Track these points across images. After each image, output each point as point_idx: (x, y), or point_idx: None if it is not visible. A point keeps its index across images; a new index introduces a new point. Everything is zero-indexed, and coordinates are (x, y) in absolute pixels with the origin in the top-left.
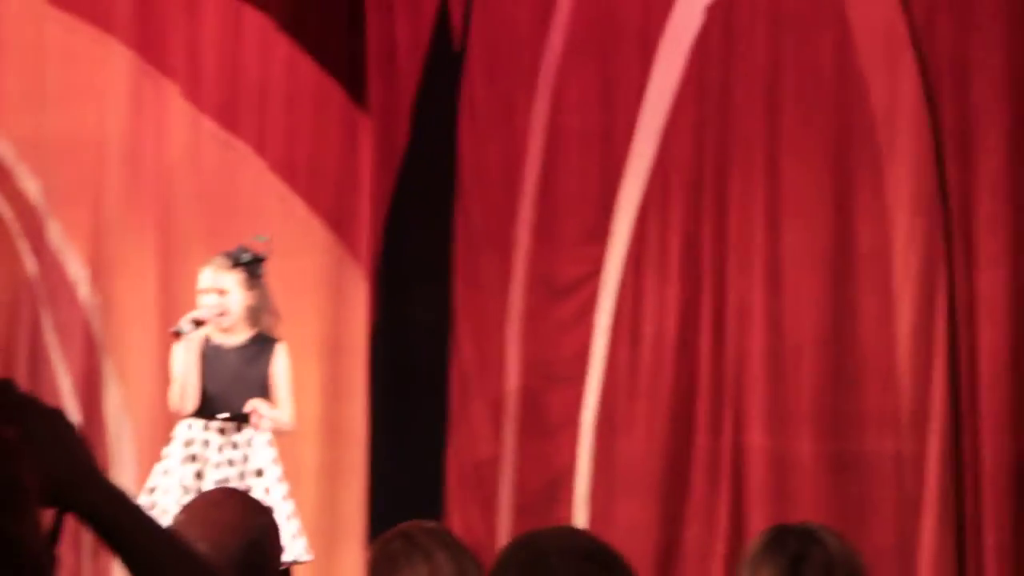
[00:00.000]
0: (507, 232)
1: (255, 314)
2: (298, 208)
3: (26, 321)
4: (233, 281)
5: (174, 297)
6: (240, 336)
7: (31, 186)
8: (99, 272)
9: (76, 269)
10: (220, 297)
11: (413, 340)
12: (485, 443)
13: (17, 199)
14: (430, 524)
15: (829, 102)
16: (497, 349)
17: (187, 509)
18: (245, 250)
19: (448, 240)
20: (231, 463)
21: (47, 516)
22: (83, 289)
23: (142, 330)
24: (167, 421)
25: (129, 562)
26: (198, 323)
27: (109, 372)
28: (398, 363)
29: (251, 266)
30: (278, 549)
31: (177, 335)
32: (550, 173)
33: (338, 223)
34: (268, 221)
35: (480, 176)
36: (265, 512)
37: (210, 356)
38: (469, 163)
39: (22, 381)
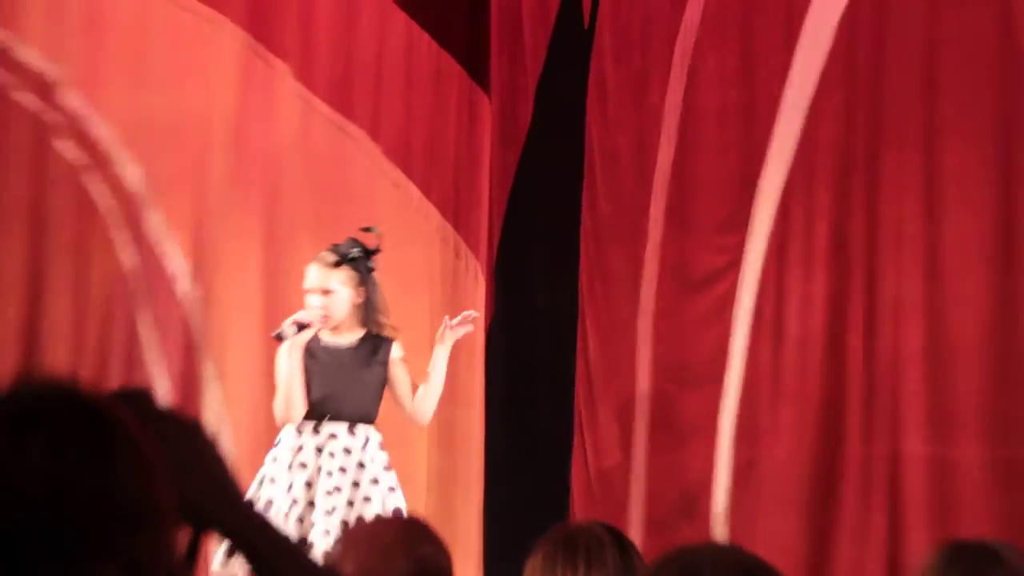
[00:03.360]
0: (638, 221)
1: (365, 313)
2: (413, 195)
3: (121, 318)
4: (339, 280)
5: (280, 292)
6: (351, 336)
7: (131, 173)
8: (201, 265)
9: (176, 262)
10: (324, 298)
11: (535, 338)
12: (613, 450)
13: (116, 187)
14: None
15: (993, 78)
16: (627, 348)
17: (343, 540)
18: (354, 243)
19: (574, 230)
20: (344, 470)
21: (184, 535)
22: (183, 283)
23: (245, 328)
24: (270, 425)
25: None
26: (301, 326)
27: (209, 373)
28: (518, 363)
29: (359, 262)
30: None
31: (278, 339)
32: (685, 157)
33: (455, 211)
34: (381, 209)
35: (609, 161)
36: (430, 540)
37: (321, 357)
38: (597, 147)
39: (115, 382)
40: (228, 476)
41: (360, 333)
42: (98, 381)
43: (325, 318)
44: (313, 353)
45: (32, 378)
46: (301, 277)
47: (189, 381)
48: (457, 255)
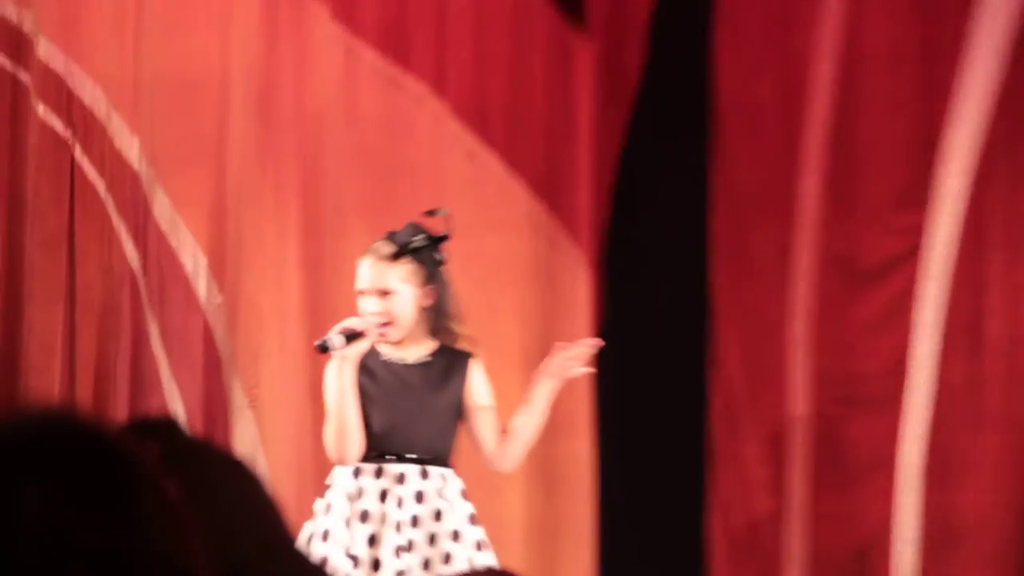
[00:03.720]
0: (786, 196)
1: (435, 319)
2: (493, 168)
3: (126, 330)
4: (400, 276)
5: (325, 294)
6: (419, 350)
7: (130, 145)
8: (223, 261)
9: (192, 258)
10: (382, 300)
11: (657, 349)
12: (762, 494)
13: (112, 163)
14: None
15: None
16: (776, 360)
17: None
18: (416, 230)
19: (702, 209)
20: (416, 522)
21: None
22: (202, 285)
23: (282, 340)
24: (319, 465)
25: None
26: (352, 336)
27: (238, 399)
28: (636, 381)
29: (425, 253)
30: None
31: (323, 350)
32: (846, 112)
33: (549, 188)
34: (452, 186)
35: (746, 119)
36: None
37: (382, 377)
38: (731, 100)
39: (121, 410)
40: (280, 527)
41: (431, 346)
42: (98, 411)
43: (385, 326)
44: (371, 372)
45: (22, 408)
46: (351, 275)
47: (213, 409)
48: (552, 244)
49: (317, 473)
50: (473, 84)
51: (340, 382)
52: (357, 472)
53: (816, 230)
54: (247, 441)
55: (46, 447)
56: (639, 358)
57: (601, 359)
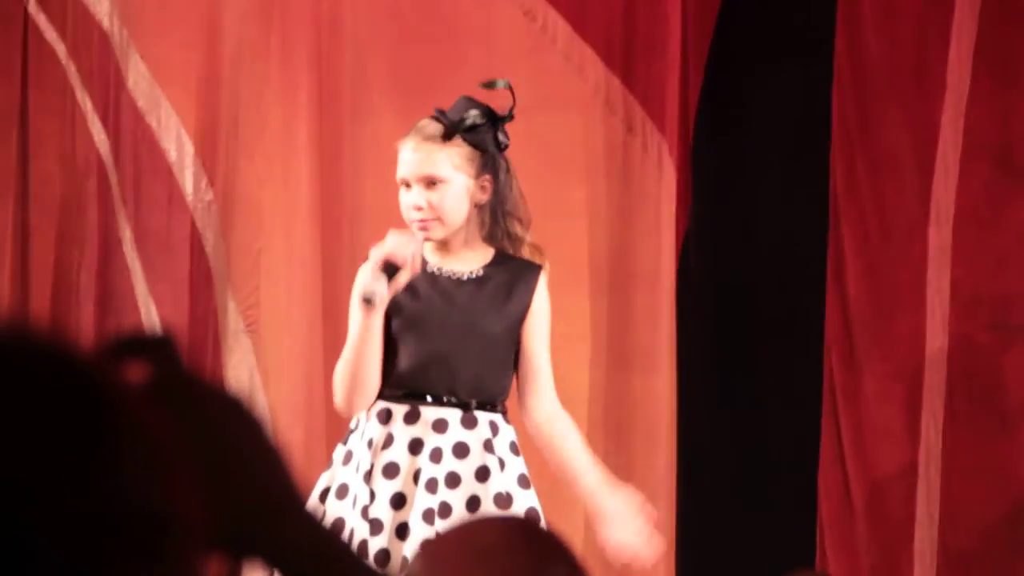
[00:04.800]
0: (928, 65)
1: (493, 220)
2: (557, 30)
3: (91, 233)
4: (451, 163)
5: (342, 189)
6: (473, 259)
7: None
8: (215, 147)
9: (176, 143)
10: (429, 192)
11: (757, 263)
12: (891, 442)
13: (76, 20)
14: None
15: None
16: (910, 276)
17: (427, 553)
18: (471, 105)
19: (821, 82)
20: (455, 482)
21: (217, 563)
22: (188, 177)
23: (289, 248)
24: (332, 405)
25: None
26: (394, 270)
27: (232, 320)
28: (730, 304)
29: (483, 134)
30: None
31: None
32: None
33: (626, 57)
34: (504, 52)
35: None
36: (560, 556)
37: (425, 294)
38: None
39: (85, 332)
40: (286, 481)
41: (487, 255)
42: (58, 328)
43: (429, 224)
44: (413, 286)
45: None
46: (375, 165)
47: (200, 333)
48: (629, 128)
49: (329, 415)
50: None
51: (366, 317)
52: (388, 415)
53: (965, 110)
54: (243, 373)
55: (5, 370)
56: (734, 272)
57: (685, 277)
